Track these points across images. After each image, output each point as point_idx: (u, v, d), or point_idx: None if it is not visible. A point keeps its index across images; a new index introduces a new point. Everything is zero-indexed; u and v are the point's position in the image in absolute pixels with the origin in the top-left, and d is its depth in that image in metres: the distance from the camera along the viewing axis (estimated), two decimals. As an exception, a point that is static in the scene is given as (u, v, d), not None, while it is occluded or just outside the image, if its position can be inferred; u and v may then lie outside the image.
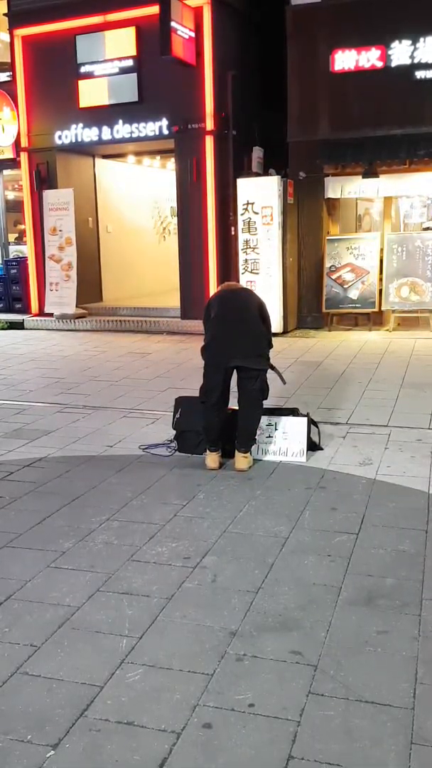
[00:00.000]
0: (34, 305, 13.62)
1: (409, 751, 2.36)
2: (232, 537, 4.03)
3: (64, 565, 3.73)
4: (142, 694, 2.68)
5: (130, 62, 11.93)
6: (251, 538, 4.02)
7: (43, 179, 13.17)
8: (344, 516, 4.28)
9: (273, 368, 5.29)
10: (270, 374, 5.27)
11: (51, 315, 13.13)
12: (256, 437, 5.28)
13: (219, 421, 5.20)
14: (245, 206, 11.18)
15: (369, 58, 10.54)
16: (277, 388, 6.14)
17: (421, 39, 10.25)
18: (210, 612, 3.23)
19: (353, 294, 11.36)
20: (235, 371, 5.20)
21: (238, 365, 5.12)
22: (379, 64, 10.50)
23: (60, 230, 12.92)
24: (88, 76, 12.27)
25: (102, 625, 3.15)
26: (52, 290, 13.16)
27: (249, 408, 5.20)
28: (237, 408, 5.29)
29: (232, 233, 11.57)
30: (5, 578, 3.61)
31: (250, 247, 11.19)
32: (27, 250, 13.79)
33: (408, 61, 10.37)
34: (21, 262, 14.01)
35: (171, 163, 13.61)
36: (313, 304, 11.82)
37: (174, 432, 5.64)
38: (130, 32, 11.84)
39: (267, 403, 5.42)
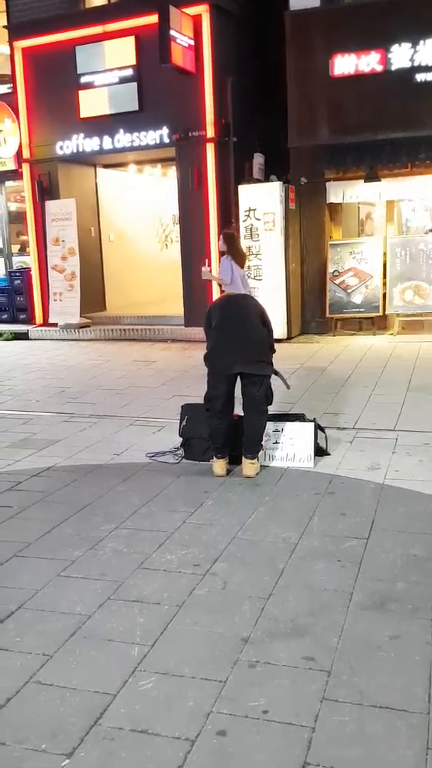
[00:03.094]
0: (39, 315, 13.67)
1: (425, 756, 2.35)
2: (242, 543, 4.02)
3: (74, 574, 3.73)
4: (155, 702, 2.67)
5: (130, 71, 11.99)
6: (260, 544, 4.01)
7: (45, 190, 13.23)
8: (353, 521, 4.27)
9: (276, 373, 5.29)
10: (274, 379, 5.27)
11: (55, 325, 13.17)
12: (263, 443, 5.28)
13: (225, 428, 5.19)
14: (247, 213, 11.21)
15: (369, 62, 10.57)
16: (283, 393, 6.14)
17: (421, 42, 10.28)
18: (221, 619, 3.22)
19: (357, 298, 11.36)
20: (239, 378, 5.20)
21: (242, 372, 5.12)
22: (379, 68, 10.53)
23: (63, 240, 12.97)
24: (89, 86, 12.33)
25: (113, 633, 3.14)
26: (55, 300, 13.20)
27: (254, 414, 5.20)
28: (242, 414, 5.29)
29: (235, 240, 11.57)
30: (16, 587, 3.61)
31: (252, 254, 11.19)
32: (30, 260, 13.85)
33: (408, 65, 10.40)
34: (24, 272, 14.05)
35: (172, 171, 13.64)
36: (317, 309, 11.81)
37: (180, 439, 5.64)
38: (130, 42, 11.91)
39: (273, 409, 5.42)
